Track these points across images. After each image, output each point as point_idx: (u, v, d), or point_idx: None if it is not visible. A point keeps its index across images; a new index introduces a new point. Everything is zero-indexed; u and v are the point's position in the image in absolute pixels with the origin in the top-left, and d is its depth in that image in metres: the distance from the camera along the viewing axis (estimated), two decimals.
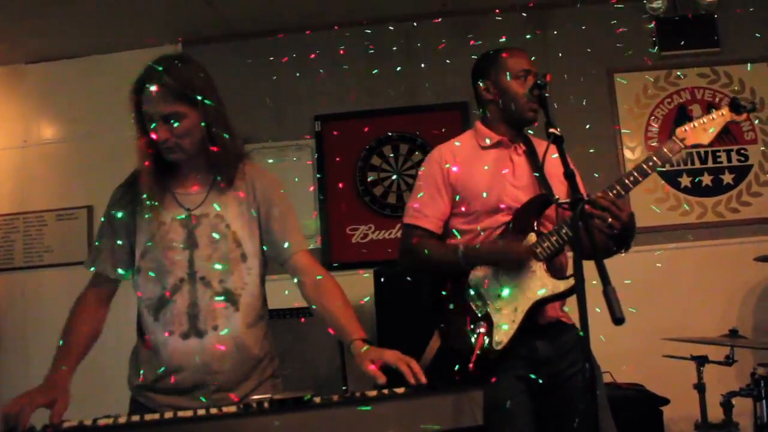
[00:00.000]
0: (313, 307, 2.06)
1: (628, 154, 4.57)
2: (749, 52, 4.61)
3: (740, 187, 4.55)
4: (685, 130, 2.32)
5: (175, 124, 1.95)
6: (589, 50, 4.56)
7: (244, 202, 2.09)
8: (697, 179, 4.56)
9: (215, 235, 2.03)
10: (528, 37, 4.51)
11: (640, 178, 2.24)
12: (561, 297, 2.23)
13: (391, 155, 4.68)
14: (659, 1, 4.56)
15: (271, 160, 4.64)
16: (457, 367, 2.14)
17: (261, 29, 4.74)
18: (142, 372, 2.01)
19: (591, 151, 4.27)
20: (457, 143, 2.49)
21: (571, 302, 1.97)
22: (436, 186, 2.40)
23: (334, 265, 4.48)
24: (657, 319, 4.13)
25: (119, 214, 2.06)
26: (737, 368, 3.39)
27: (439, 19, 4.67)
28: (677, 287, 4.33)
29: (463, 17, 4.69)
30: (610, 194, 2.18)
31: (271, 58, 4.73)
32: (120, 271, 2.07)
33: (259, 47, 4.78)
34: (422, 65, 4.61)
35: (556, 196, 2.24)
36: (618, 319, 1.48)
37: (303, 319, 3.83)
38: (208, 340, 1.97)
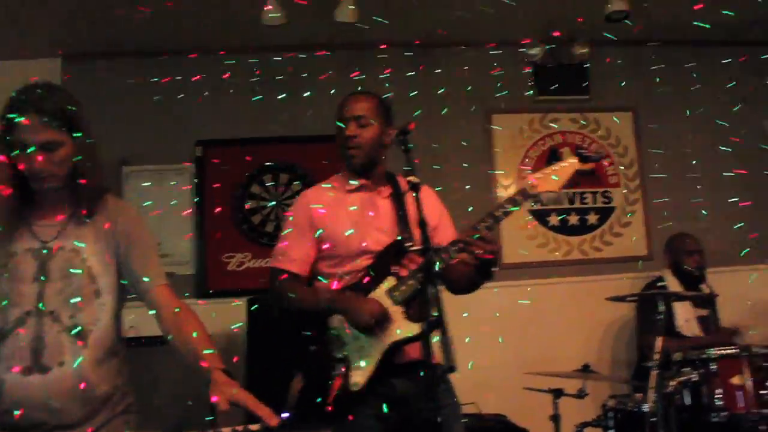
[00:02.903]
0: (170, 338, 2.00)
1: (501, 192, 4.75)
2: (616, 100, 4.95)
3: (603, 228, 4.83)
4: (537, 177, 2.35)
5: (53, 153, 1.89)
6: (469, 90, 4.76)
7: (102, 237, 2.03)
8: (564, 218, 4.82)
9: (69, 270, 1.97)
10: (411, 74, 4.64)
11: (494, 226, 2.28)
12: (415, 339, 2.26)
13: (271, 184, 4.68)
14: (537, 48, 4.82)
15: (149, 183, 4.54)
16: (317, 407, 2.17)
17: (145, 49, 4.64)
18: None
19: (467, 188, 4.42)
20: (325, 185, 2.54)
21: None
22: (302, 229, 2.44)
23: (209, 292, 4.43)
24: (521, 352, 4.32)
25: None
26: (592, 400, 3.58)
27: (326, 52, 4.71)
28: (542, 322, 4.53)
29: (349, 51, 4.77)
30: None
31: (154, 79, 4.61)
32: None
33: (142, 67, 4.66)
34: (306, 96, 4.61)
35: (410, 243, 2.30)
36: (450, 368, 1.56)
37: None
38: (51, 377, 1.90)
